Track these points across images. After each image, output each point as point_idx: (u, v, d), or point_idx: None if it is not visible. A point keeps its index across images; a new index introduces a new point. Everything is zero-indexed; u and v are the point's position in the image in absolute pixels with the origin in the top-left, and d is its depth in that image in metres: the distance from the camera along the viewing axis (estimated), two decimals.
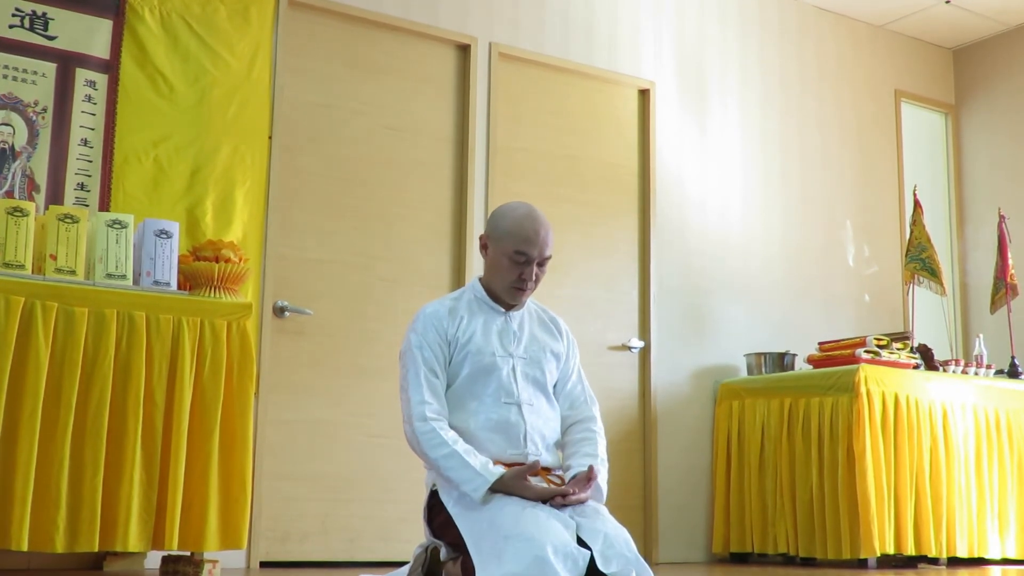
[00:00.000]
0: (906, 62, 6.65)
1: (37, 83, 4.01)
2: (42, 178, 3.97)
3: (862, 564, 4.71)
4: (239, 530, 3.46)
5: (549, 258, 2.77)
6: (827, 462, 4.83)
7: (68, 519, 3.20)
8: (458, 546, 2.61)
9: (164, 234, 3.58)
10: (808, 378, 5.09)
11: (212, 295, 3.59)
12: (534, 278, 2.76)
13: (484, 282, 2.85)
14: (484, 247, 2.82)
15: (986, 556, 5.10)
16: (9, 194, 3.89)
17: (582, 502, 2.60)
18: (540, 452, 2.72)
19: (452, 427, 2.67)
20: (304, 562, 4.34)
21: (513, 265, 2.73)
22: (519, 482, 2.55)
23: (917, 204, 5.78)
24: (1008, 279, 5.80)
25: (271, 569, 4.19)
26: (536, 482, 2.59)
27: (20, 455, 3.14)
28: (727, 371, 5.56)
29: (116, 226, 3.50)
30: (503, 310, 2.83)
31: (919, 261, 5.71)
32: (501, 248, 2.74)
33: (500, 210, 2.82)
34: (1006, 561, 5.27)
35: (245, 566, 4.15)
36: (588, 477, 2.64)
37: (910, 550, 4.81)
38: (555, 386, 2.87)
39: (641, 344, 5.34)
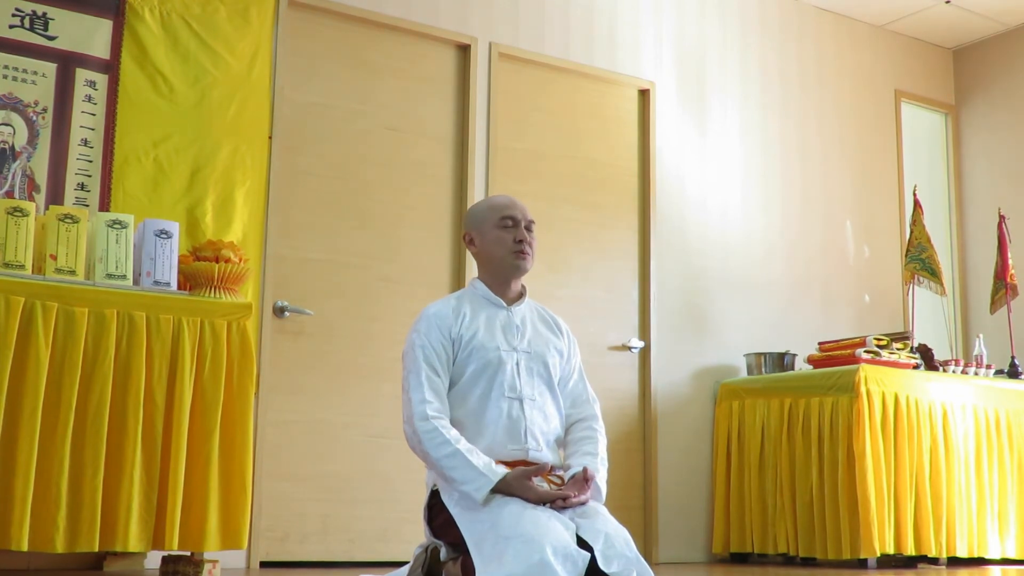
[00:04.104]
0: (906, 62, 6.65)
1: (37, 83, 4.01)
2: (42, 178, 3.97)
3: (862, 564, 4.71)
4: (239, 530, 3.46)
5: (534, 223, 2.87)
6: (827, 462, 4.83)
7: (68, 519, 3.20)
8: (458, 546, 2.61)
9: (164, 234, 3.58)
10: (808, 378, 5.09)
11: (212, 295, 3.59)
12: (529, 241, 2.82)
13: (482, 279, 2.88)
14: (471, 242, 2.88)
15: (986, 556, 5.10)
16: (9, 194, 3.89)
17: (583, 504, 2.60)
18: (541, 448, 2.72)
19: (455, 422, 2.67)
20: (304, 562, 4.34)
21: (505, 232, 2.81)
22: (521, 483, 2.55)
23: (917, 204, 5.78)
24: (1008, 279, 5.80)
25: (271, 569, 4.19)
26: (538, 483, 2.59)
27: (20, 455, 3.14)
28: (727, 371, 5.56)
29: (116, 226, 3.50)
30: (505, 305, 2.84)
31: (919, 261, 5.71)
32: (487, 227, 2.83)
33: (471, 207, 3.00)
34: (1006, 561, 5.27)
35: (245, 566, 4.15)
36: (584, 478, 2.64)
37: (910, 550, 4.81)
38: (558, 383, 2.87)
39: (641, 344, 5.34)
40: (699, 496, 5.38)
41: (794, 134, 6.08)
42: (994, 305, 5.88)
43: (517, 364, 2.77)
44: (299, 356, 4.47)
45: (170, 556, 3.56)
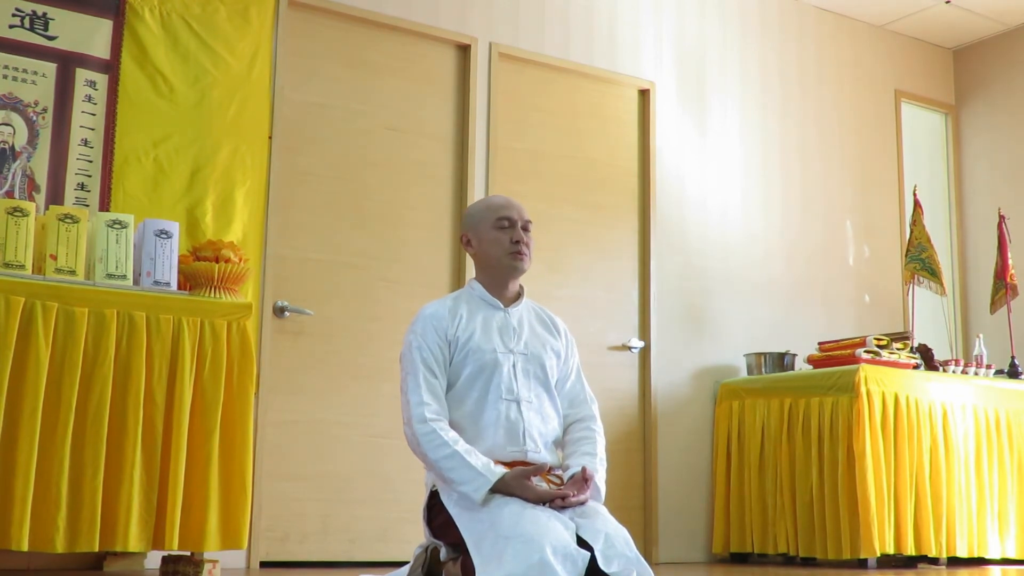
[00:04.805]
0: (906, 62, 6.65)
1: (37, 83, 4.01)
2: (42, 178, 3.97)
3: (862, 564, 4.71)
4: (239, 530, 3.46)
5: (531, 223, 2.86)
6: (827, 462, 4.83)
7: (68, 519, 3.20)
8: (458, 546, 2.61)
9: (164, 234, 3.58)
10: (808, 378, 5.09)
11: (212, 295, 3.58)
12: (526, 242, 2.81)
13: (480, 280, 2.87)
14: (468, 243, 2.88)
15: (986, 556, 5.10)
16: (9, 194, 3.89)
17: (582, 503, 2.60)
18: (539, 449, 2.72)
19: (453, 424, 2.68)
20: (304, 562, 4.35)
21: (502, 232, 2.81)
22: (520, 482, 2.55)
23: (917, 204, 5.78)
24: (1008, 279, 5.80)
25: (271, 569, 4.19)
26: (537, 482, 2.59)
27: (20, 455, 3.14)
28: (727, 371, 5.56)
29: (116, 226, 3.50)
30: (503, 306, 2.84)
31: (919, 261, 5.71)
32: (484, 228, 2.83)
33: (468, 208, 3.00)
34: (1006, 561, 5.27)
35: (245, 566, 4.15)
36: (584, 477, 2.65)
37: (910, 550, 4.81)
38: (555, 385, 2.87)
39: (641, 344, 5.34)
40: (699, 496, 5.38)
41: (794, 134, 6.08)
42: (994, 305, 5.88)
43: (514, 366, 2.77)
44: (299, 356, 4.47)
45: (170, 556, 3.56)
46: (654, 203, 5.48)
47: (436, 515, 2.70)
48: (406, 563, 2.89)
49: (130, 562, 3.82)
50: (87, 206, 3.98)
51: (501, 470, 2.57)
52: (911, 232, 5.77)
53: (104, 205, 4.04)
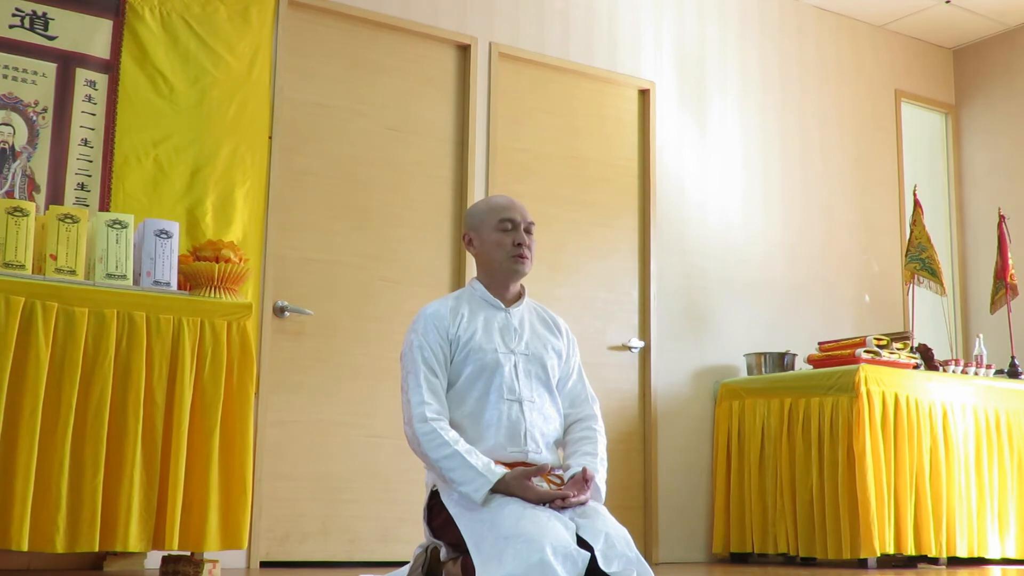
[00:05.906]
0: (906, 62, 6.65)
1: (37, 83, 4.01)
2: (42, 178, 3.97)
3: (862, 564, 4.71)
4: (239, 530, 3.46)
5: (533, 225, 2.85)
6: (827, 462, 4.83)
7: (68, 519, 3.20)
8: (458, 546, 2.61)
9: (164, 234, 3.58)
10: (808, 378, 5.09)
11: (212, 295, 3.59)
12: (528, 244, 2.81)
13: (481, 279, 2.87)
14: (470, 242, 2.88)
15: (986, 556, 5.10)
16: (9, 194, 3.89)
17: (582, 504, 2.60)
18: (540, 450, 2.72)
19: (453, 424, 2.68)
20: (304, 562, 4.35)
21: (504, 235, 2.80)
22: (521, 482, 2.55)
23: (917, 204, 5.78)
24: (1008, 279, 5.80)
25: (271, 569, 4.19)
26: (537, 482, 2.59)
27: (20, 455, 3.14)
28: (727, 371, 5.56)
29: (116, 226, 3.50)
30: (504, 307, 2.84)
31: (919, 261, 5.71)
32: (486, 230, 2.82)
33: (471, 207, 2.97)
34: (1006, 561, 5.27)
35: (245, 566, 4.15)
36: (584, 478, 2.65)
37: (910, 550, 4.81)
38: (556, 384, 2.87)
39: (641, 344, 5.34)
40: (699, 496, 5.38)
41: (794, 134, 6.08)
42: (994, 305, 5.88)
43: (515, 366, 2.77)
44: (299, 356, 4.47)
45: (170, 556, 3.56)
46: (654, 203, 5.48)
47: (436, 515, 2.70)
48: (406, 563, 2.89)
49: (130, 562, 3.82)
50: (87, 206, 3.98)
51: (501, 470, 2.57)
52: (911, 232, 5.77)
53: (104, 205, 4.04)
